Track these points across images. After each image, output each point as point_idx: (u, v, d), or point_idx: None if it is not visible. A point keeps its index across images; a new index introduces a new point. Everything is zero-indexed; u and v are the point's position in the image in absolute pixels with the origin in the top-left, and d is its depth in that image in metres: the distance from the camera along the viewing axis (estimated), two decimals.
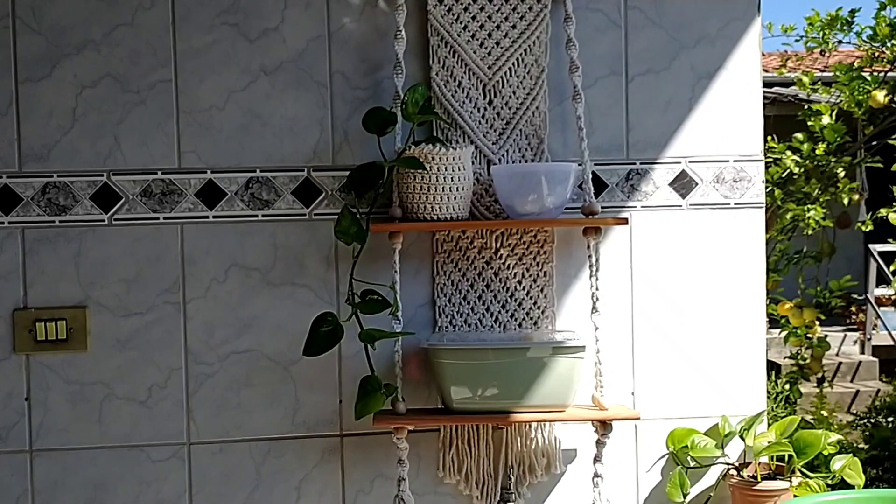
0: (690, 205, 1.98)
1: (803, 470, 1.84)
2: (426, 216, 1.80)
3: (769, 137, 4.71)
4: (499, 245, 1.94)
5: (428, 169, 1.75)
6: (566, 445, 1.95)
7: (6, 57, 1.86)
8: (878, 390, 7.81)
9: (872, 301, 8.70)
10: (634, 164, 1.96)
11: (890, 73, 4.80)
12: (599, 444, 1.83)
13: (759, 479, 1.83)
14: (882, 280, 8.52)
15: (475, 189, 1.90)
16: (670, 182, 1.97)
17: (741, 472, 1.89)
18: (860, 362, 8.60)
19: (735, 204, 1.98)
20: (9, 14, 1.86)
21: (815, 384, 6.50)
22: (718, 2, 1.97)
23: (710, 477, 1.97)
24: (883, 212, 4.17)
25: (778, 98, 8.09)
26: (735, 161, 1.98)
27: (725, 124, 1.98)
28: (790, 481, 1.82)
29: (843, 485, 1.83)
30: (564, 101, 1.94)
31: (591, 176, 1.88)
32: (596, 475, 1.84)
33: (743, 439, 1.89)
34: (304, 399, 1.92)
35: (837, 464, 1.80)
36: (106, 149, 1.88)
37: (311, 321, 1.79)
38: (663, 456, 1.97)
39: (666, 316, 1.97)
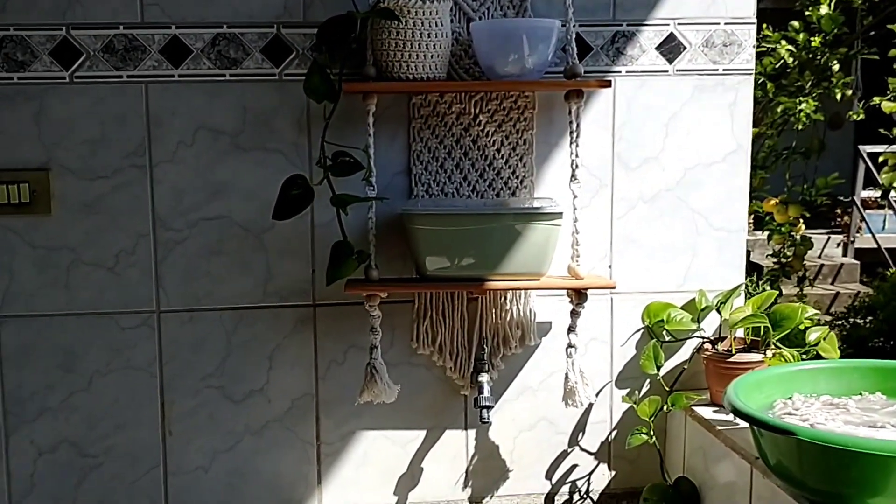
0: (678, 70, 1.90)
1: (778, 343, 1.82)
2: (402, 75, 1.72)
3: (764, 25, 4.57)
4: (478, 111, 1.87)
5: (404, 22, 1.66)
6: (541, 318, 1.93)
7: None
8: (858, 293, 7.87)
9: (858, 203, 8.68)
10: (621, 25, 1.87)
11: None
12: (574, 314, 1.81)
13: (734, 352, 1.82)
14: (869, 182, 8.48)
15: (454, 50, 1.81)
16: (657, 46, 1.89)
17: (716, 346, 1.87)
18: (842, 264, 8.64)
19: (724, 70, 1.90)
20: None
21: (796, 283, 6.53)
22: None
23: (685, 351, 1.96)
24: (876, 100, 4.08)
25: None
26: (726, 24, 1.89)
27: None
28: (764, 354, 1.81)
29: (818, 358, 1.82)
30: None
31: (574, 36, 1.79)
32: (570, 345, 1.81)
33: (719, 312, 1.87)
34: (276, 268, 1.88)
35: (813, 335, 1.78)
36: (64, 1, 1.78)
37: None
38: (639, 330, 1.95)
39: (647, 187, 1.92)
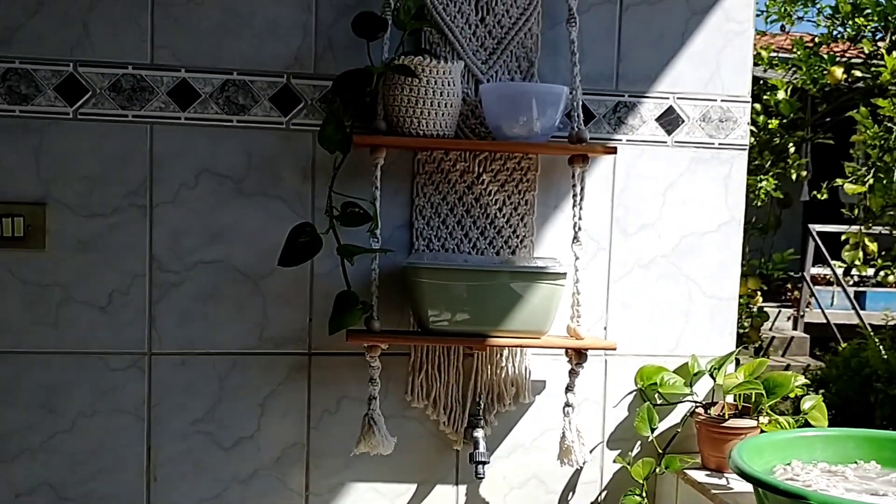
0: (676, 142, 1.96)
1: (769, 410, 1.85)
2: (412, 131, 1.74)
3: None
4: (481, 170, 1.89)
5: (419, 79, 1.68)
6: (536, 376, 1.93)
7: None
8: (808, 365, 8.03)
9: (808, 279, 8.92)
10: (623, 96, 1.93)
11: (848, 53, 4.87)
12: (573, 373, 1.82)
13: (727, 417, 1.84)
14: (818, 259, 8.74)
15: (461, 110, 1.84)
16: (657, 117, 1.95)
17: (708, 411, 1.89)
18: (792, 338, 8.84)
19: (720, 144, 1.97)
20: None
21: (753, 354, 6.65)
22: None
23: (676, 415, 1.98)
24: (839, 181, 4.24)
25: None
26: (722, 101, 1.96)
27: (715, 63, 1.96)
28: (757, 420, 1.83)
29: (807, 426, 1.85)
30: (557, 25, 1.89)
31: (581, 104, 1.84)
32: (567, 404, 1.82)
33: (713, 378, 1.90)
34: (273, 315, 1.86)
35: (807, 403, 1.81)
36: (74, 37, 1.77)
37: (282, 234, 1.73)
38: (631, 392, 1.97)
39: (643, 252, 1.96)
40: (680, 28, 1.94)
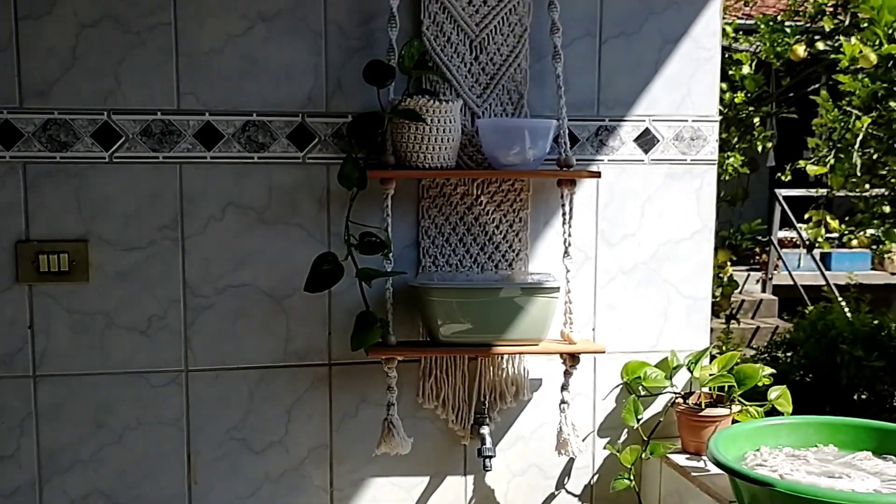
0: (652, 160, 2.17)
1: (741, 399, 2.10)
2: (418, 164, 1.94)
3: None
4: (479, 192, 2.10)
5: (425, 119, 1.88)
6: (533, 375, 2.16)
7: None
8: (777, 327, 8.35)
9: (776, 243, 9.22)
10: (604, 120, 2.14)
11: (811, 27, 5.05)
12: (567, 374, 2.05)
13: (703, 406, 2.08)
14: (785, 223, 9.03)
15: (460, 140, 2.03)
16: (635, 138, 2.16)
17: (686, 401, 2.13)
18: (761, 300, 9.15)
19: (691, 160, 2.18)
20: None
21: (724, 321, 6.95)
22: None
23: (658, 404, 2.21)
24: (801, 163, 4.48)
25: None
26: (693, 121, 2.18)
27: (687, 87, 2.16)
28: (730, 408, 2.08)
29: (774, 412, 2.09)
30: (543, 59, 2.08)
31: (567, 132, 2.04)
32: (563, 402, 2.05)
33: (690, 371, 2.13)
34: (296, 330, 2.06)
35: (773, 394, 2.05)
36: (106, 88, 1.94)
37: (302, 258, 1.96)
38: (618, 385, 2.20)
39: (625, 260, 2.18)
40: (654, 56, 2.15)
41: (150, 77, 1.96)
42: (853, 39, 4.17)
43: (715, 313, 5.65)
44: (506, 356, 2.11)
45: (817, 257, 8.30)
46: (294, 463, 2.09)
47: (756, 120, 5.06)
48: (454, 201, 2.09)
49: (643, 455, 2.10)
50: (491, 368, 2.12)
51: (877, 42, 4.00)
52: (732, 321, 7.25)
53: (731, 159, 4.98)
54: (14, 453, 1.98)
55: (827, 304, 5.95)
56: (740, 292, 9.26)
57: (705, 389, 2.14)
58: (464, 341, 1.96)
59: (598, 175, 2.03)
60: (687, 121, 2.17)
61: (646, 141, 2.16)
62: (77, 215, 1.96)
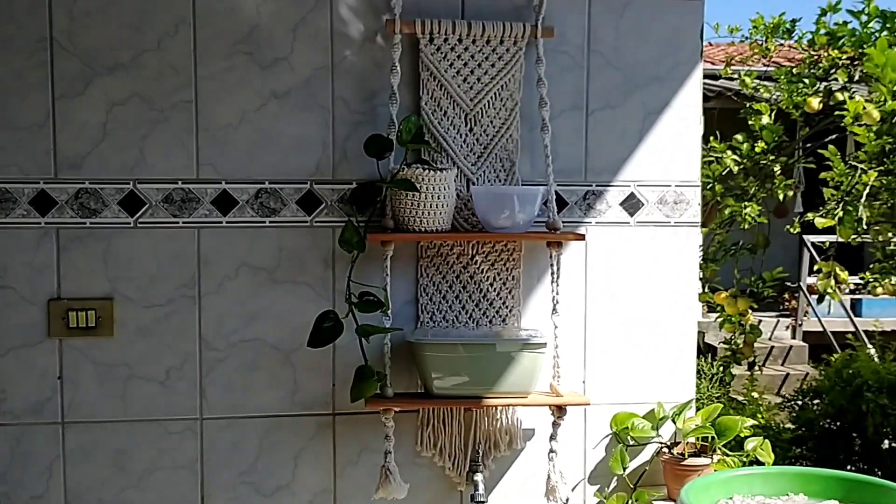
0: (637, 222, 2.31)
1: (723, 449, 2.20)
2: (415, 228, 2.10)
3: (711, 137, 5.07)
4: (474, 252, 2.25)
5: (419, 189, 2.05)
6: (526, 425, 2.29)
7: (44, 75, 2.10)
8: (807, 374, 8.32)
9: (805, 289, 9.20)
10: (591, 185, 2.29)
11: (827, 79, 5.15)
12: (555, 424, 2.17)
13: (686, 456, 2.19)
14: (815, 269, 9.02)
15: (456, 204, 2.20)
16: (621, 202, 2.30)
17: (672, 450, 2.24)
18: (791, 347, 9.13)
19: (675, 222, 2.32)
20: (46, 37, 2.10)
21: (747, 368, 6.97)
22: (667, 48, 2.29)
23: (646, 454, 2.33)
24: (810, 216, 4.56)
25: (723, 92, 8.51)
26: (676, 186, 2.32)
27: (669, 154, 2.31)
28: (712, 458, 2.18)
29: (756, 462, 2.20)
30: (534, 129, 2.25)
31: (554, 197, 2.20)
32: (551, 451, 2.18)
33: (674, 422, 2.25)
34: (302, 382, 2.22)
35: (750, 444, 2.16)
36: (133, 160, 2.14)
37: (309, 314, 2.11)
38: (607, 435, 2.32)
39: (613, 316, 2.31)
40: (638, 126, 2.30)
41: (172, 149, 2.15)
42: (857, 96, 4.28)
43: (737, 361, 5.68)
44: (500, 407, 2.25)
45: (847, 304, 8.28)
46: None
47: (777, 169, 5.15)
48: (451, 261, 2.25)
49: (629, 502, 2.21)
50: (486, 419, 2.26)
51: (882, 99, 4.12)
52: (756, 369, 7.25)
53: (749, 209, 5.06)
54: (43, 493, 2.15)
55: (853, 351, 5.96)
56: (770, 338, 9.26)
57: (691, 440, 2.25)
58: (456, 394, 2.11)
59: (582, 237, 2.18)
60: (670, 185, 2.31)
61: (631, 204, 2.31)
62: (104, 275, 2.15)
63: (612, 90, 2.28)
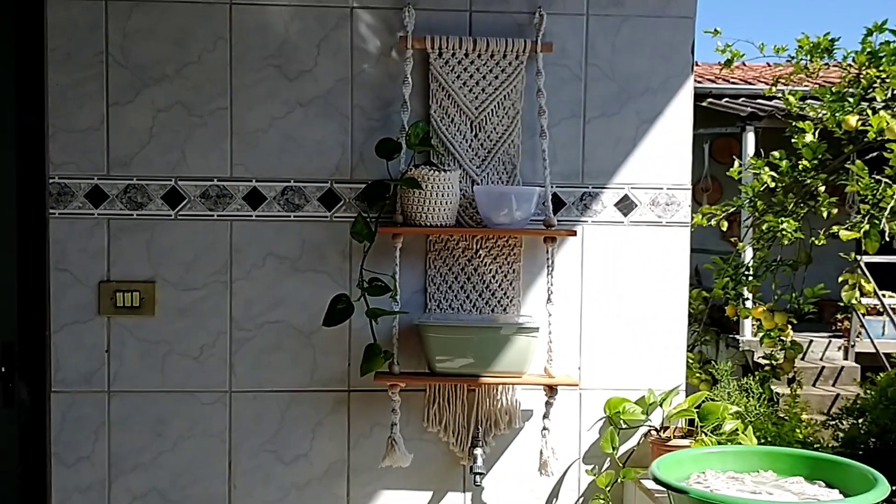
0: (631, 222, 2.50)
1: (706, 432, 2.36)
2: (422, 223, 2.33)
3: (752, 156, 5.15)
4: (478, 247, 2.47)
5: (423, 187, 2.28)
6: (524, 406, 2.48)
7: (100, 85, 2.40)
8: (858, 395, 8.22)
9: (857, 310, 9.10)
10: (587, 187, 2.49)
11: (867, 97, 5.21)
12: (548, 404, 2.37)
13: (673, 438, 2.36)
14: (839, 280, 8.92)
15: (461, 202, 2.42)
16: (615, 203, 2.49)
17: (660, 433, 2.41)
18: (843, 367, 9.04)
19: (666, 223, 2.50)
20: (103, 52, 2.39)
21: (787, 384, 6.97)
22: (660, 61, 2.49)
23: (637, 437, 2.50)
24: (835, 228, 4.65)
25: (775, 112, 8.56)
26: (668, 189, 2.50)
27: (661, 159, 2.49)
28: (694, 440, 2.35)
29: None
30: (534, 136, 2.46)
31: (551, 196, 2.40)
32: (544, 428, 2.37)
33: (662, 407, 2.42)
34: (321, 361, 2.46)
35: (728, 426, 2.32)
36: (174, 160, 2.42)
37: (328, 300, 2.34)
38: (601, 419, 2.50)
39: (608, 309, 2.50)
40: (632, 133, 2.49)
41: (209, 151, 2.42)
42: (882, 112, 4.37)
43: (776, 377, 5.72)
44: (500, 388, 2.45)
45: None
46: (317, 474, 2.46)
47: (821, 186, 5.21)
48: (457, 254, 2.47)
49: (618, 480, 2.38)
50: (487, 399, 2.46)
51: None
52: (796, 386, 7.24)
53: (785, 225, 5.11)
54: (90, 455, 2.42)
55: None
56: (821, 358, 9.20)
57: (679, 423, 2.41)
58: (456, 372, 2.32)
59: (574, 233, 2.38)
60: (662, 188, 2.50)
61: (625, 205, 2.49)
62: (147, 261, 2.42)
63: (608, 100, 2.48)
